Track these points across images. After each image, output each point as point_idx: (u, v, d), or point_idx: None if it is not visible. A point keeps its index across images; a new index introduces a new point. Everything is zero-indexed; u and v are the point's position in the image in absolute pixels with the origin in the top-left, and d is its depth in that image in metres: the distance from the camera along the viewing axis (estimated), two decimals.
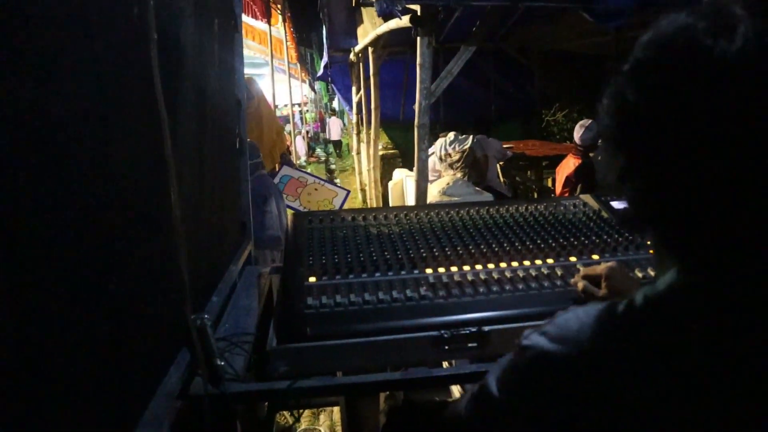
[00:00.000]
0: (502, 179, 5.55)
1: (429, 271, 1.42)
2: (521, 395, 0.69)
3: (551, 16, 5.87)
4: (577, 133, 4.45)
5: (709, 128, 0.55)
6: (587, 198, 1.93)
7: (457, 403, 0.91)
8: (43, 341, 0.73)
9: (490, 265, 1.45)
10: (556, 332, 0.67)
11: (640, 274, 1.39)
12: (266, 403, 1.93)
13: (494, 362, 0.78)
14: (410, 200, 4.69)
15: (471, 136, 4.93)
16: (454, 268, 1.43)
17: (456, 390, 1.86)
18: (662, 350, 0.58)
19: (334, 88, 8.89)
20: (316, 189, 4.46)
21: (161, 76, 0.93)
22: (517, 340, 0.72)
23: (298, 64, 13.62)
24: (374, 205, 7.07)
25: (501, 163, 5.54)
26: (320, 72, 9.05)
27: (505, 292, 1.33)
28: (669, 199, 0.60)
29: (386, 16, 3.54)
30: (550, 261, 1.48)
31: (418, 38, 3.15)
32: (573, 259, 1.49)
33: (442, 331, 1.20)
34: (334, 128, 16.26)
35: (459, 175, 4.67)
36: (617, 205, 1.83)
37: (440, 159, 4.94)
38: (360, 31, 6.25)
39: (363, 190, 8.44)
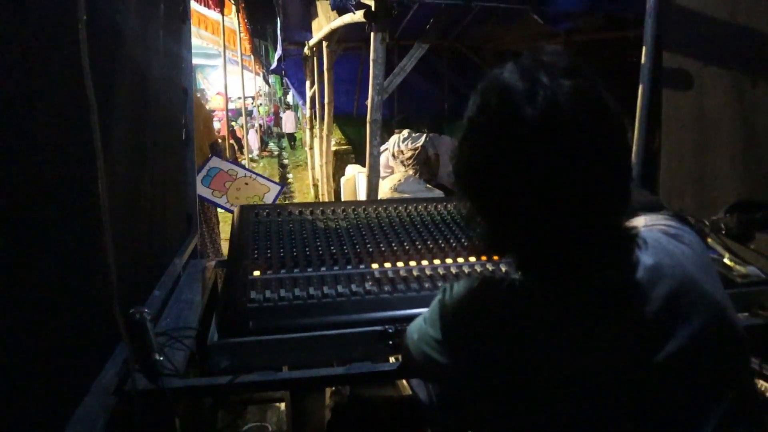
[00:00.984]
0: None
1: (375, 266, 1.42)
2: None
3: (505, 18, 5.95)
4: None
5: (526, 173, 0.71)
6: None
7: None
8: None
9: (437, 261, 1.46)
10: (451, 296, 0.87)
11: None
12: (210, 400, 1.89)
13: None
14: (362, 196, 4.68)
15: (424, 134, 4.96)
16: (400, 264, 1.44)
17: (402, 384, 1.87)
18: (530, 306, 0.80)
19: (288, 82, 8.78)
20: (246, 183, 4.21)
21: (93, 60, 0.89)
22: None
23: (252, 56, 13.39)
24: (327, 201, 7.02)
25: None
26: (274, 65, 8.92)
27: None
28: (508, 236, 0.79)
29: (340, 10, 3.51)
30: (495, 257, 1.50)
31: (372, 34, 3.14)
32: None
33: (387, 326, 1.20)
34: (289, 122, 16.69)
35: (411, 172, 4.69)
36: None
37: (393, 156, 4.96)
38: (315, 24, 6.19)
39: (316, 186, 8.38)
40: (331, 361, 1.25)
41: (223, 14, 6.82)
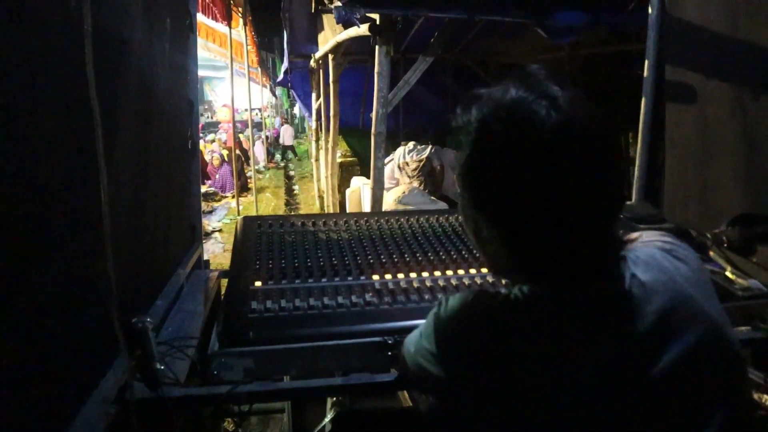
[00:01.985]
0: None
1: (376, 277, 1.42)
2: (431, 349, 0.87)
3: (510, 31, 5.99)
4: None
5: (544, 184, 0.71)
6: None
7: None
8: None
9: (437, 273, 1.46)
10: (446, 309, 0.87)
11: None
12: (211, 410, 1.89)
13: None
14: (367, 208, 4.70)
15: (429, 146, 4.98)
16: (401, 275, 1.44)
17: (403, 396, 1.87)
18: (532, 320, 0.79)
19: (294, 94, 8.85)
20: None
21: (99, 72, 0.91)
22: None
23: (259, 69, 13.50)
24: (329, 213, 7.04)
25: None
26: (280, 77, 9.00)
27: None
28: (519, 250, 0.78)
29: (345, 24, 3.55)
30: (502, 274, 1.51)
31: (377, 47, 3.17)
32: None
33: (386, 337, 1.20)
34: (287, 134, 17.52)
35: (415, 183, 4.71)
36: None
37: (399, 167, 4.98)
38: (321, 37, 6.25)
39: (321, 197, 8.40)
40: (330, 371, 1.25)
41: (230, 27, 6.89)
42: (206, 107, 24.92)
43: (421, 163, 4.77)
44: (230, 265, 1.52)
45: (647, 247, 0.86)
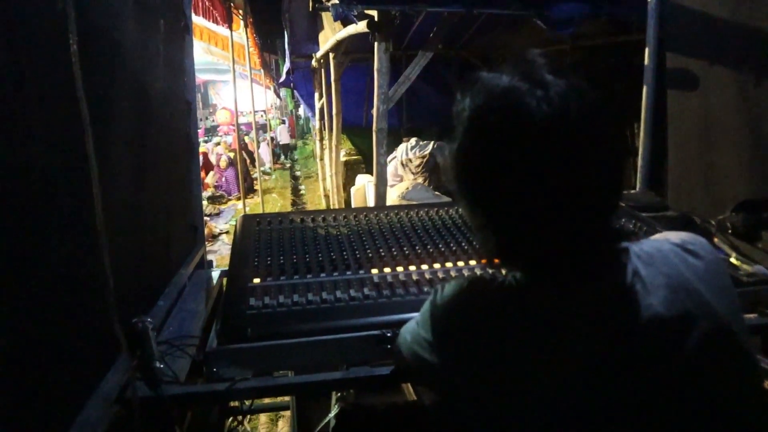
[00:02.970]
0: None
1: (374, 271, 1.42)
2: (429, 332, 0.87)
3: (510, 25, 5.97)
4: None
5: (535, 174, 0.70)
6: None
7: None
8: None
9: (436, 265, 1.46)
10: (442, 296, 0.87)
11: None
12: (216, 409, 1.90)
13: None
14: (372, 205, 4.69)
15: (432, 142, 4.97)
16: (399, 269, 1.44)
17: (408, 390, 1.86)
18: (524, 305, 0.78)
19: (297, 95, 8.86)
20: None
21: (90, 73, 0.91)
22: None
23: (262, 71, 13.52)
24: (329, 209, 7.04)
25: None
26: (283, 78, 9.01)
27: None
28: (512, 238, 0.78)
29: (344, 21, 3.55)
30: (496, 260, 1.50)
31: (376, 43, 3.17)
32: None
33: (384, 330, 1.20)
34: (284, 134, 18.30)
35: (420, 180, 4.70)
36: None
37: (402, 164, 4.97)
38: (321, 36, 6.25)
39: (327, 196, 8.41)
40: (328, 365, 1.25)
41: (231, 29, 6.89)
42: (211, 111, 25.02)
43: (425, 160, 4.77)
44: (229, 264, 1.52)
45: (657, 241, 0.85)
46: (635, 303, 0.75)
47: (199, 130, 2.32)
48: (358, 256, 1.49)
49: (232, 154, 12.19)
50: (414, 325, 0.93)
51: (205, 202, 9.56)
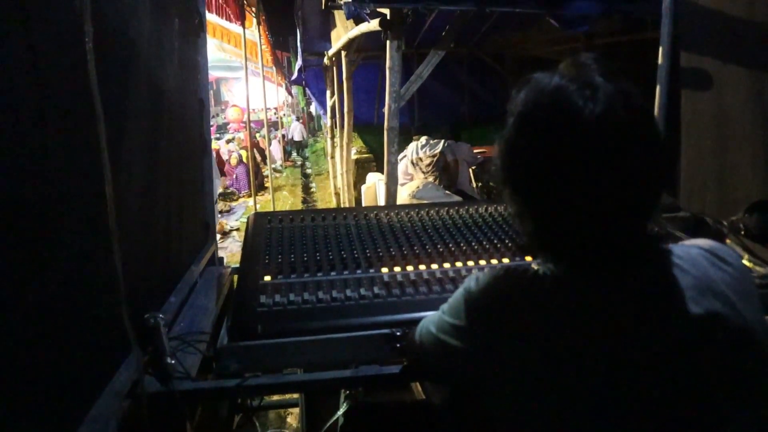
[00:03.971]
0: (474, 184, 5.59)
1: (385, 270, 1.42)
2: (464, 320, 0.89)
3: (524, 23, 5.95)
4: None
5: (577, 170, 0.73)
6: None
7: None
8: None
9: (446, 265, 1.46)
10: (478, 284, 0.89)
11: None
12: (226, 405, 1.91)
13: None
14: (382, 203, 4.68)
15: (442, 141, 4.96)
16: (410, 268, 1.44)
17: (416, 388, 1.87)
18: (558, 294, 0.81)
19: (309, 92, 8.87)
20: None
21: (105, 71, 0.93)
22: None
23: (274, 68, 13.56)
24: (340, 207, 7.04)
25: (473, 167, 5.59)
26: (295, 75, 9.02)
27: None
28: (551, 230, 0.81)
29: (356, 20, 3.54)
30: (505, 260, 1.50)
31: (388, 42, 3.16)
32: (528, 258, 1.51)
33: (394, 329, 1.20)
34: (296, 131, 18.12)
35: (430, 178, 4.69)
36: None
37: (412, 163, 4.97)
38: (334, 34, 6.25)
39: (338, 194, 8.42)
40: (338, 364, 1.26)
41: (244, 27, 6.92)
42: (223, 108, 25.15)
43: (435, 158, 4.75)
44: (240, 261, 1.54)
45: (686, 246, 0.88)
46: (665, 300, 0.78)
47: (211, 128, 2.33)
48: (368, 254, 1.50)
49: (243, 152, 12.25)
50: (440, 314, 0.96)
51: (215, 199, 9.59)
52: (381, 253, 1.50)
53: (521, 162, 0.80)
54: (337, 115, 7.22)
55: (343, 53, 5.81)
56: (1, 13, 0.80)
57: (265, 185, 11.03)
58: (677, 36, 2.54)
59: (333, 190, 8.93)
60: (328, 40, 6.67)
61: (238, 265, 2.13)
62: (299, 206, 10.08)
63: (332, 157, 8.92)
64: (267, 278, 1.38)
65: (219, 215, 8.91)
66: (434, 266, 1.45)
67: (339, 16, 5.53)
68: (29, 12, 0.87)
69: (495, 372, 0.83)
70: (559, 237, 0.82)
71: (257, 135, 14.91)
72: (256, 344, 1.19)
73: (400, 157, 4.73)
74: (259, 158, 12.98)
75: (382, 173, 3.36)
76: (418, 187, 4.40)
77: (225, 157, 12.65)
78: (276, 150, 14.95)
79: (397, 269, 1.43)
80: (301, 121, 19.24)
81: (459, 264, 1.46)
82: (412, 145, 5.05)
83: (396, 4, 3.06)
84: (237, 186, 11.71)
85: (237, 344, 1.20)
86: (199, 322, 1.52)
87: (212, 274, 1.98)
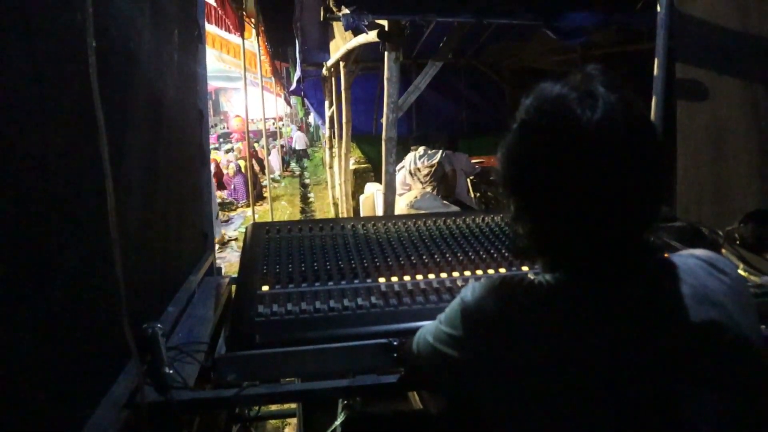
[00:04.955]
0: (472, 194, 5.60)
1: (382, 280, 1.43)
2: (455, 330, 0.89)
3: (521, 34, 5.99)
4: None
5: (575, 177, 0.74)
6: None
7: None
8: None
9: (443, 275, 1.47)
10: (473, 293, 0.88)
11: None
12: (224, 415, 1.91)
13: None
14: (380, 213, 4.70)
15: (440, 151, 4.98)
16: (407, 277, 1.45)
17: (414, 398, 1.87)
18: (556, 305, 0.81)
19: (307, 103, 8.90)
20: None
21: (106, 83, 0.94)
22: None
23: (273, 78, 13.60)
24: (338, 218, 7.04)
25: (471, 177, 5.60)
26: (293, 86, 9.06)
27: None
28: (549, 236, 0.82)
29: (354, 31, 3.57)
30: (502, 270, 1.51)
31: (386, 53, 3.19)
32: (525, 268, 1.52)
33: (391, 339, 1.21)
34: (300, 141, 18.67)
35: (428, 188, 4.70)
36: None
37: (410, 173, 4.98)
38: (332, 45, 6.29)
39: (336, 204, 8.43)
40: (335, 373, 1.26)
41: (243, 38, 6.95)
42: (222, 117, 25.22)
43: (433, 168, 4.77)
44: (239, 271, 1.54)
45: (683, 255, 0.88)
46: (663, 309, 0.79)
47: (210, 137, 2.35)
48: (365, 264, 1.50)
49: (241, 162, 12.26)
50: (437, 323, 0.96)
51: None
52: (378, 263, 1.51)
53: (520, 166, 0.81)
54: (336, 126, 7.24)
55: (341, 64, 5.85)
56: (5, 27, 0.81)
57: (264, 195, 11.04)
58: (673, 47, 2.56)
59: (331, 200, 8.95)
60: (327, 50, 6.71)
61: (236, 275, 2.14)
62: (297, 216, 10.08)
63: (331, 167, 8.94)
64: (265, 288, 1.39)
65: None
66: (431, 276, 1.46)
67: (338, 27, 5.57)
68: (33, 26, 0.88)
69: (491, 381, 0.84)
70: (555, 243, 0.83)
71: (255, 145, 14.93)
72: (253, 354, 1.19)
73: (398, 167, 4.75)
74: (257, 168, 12.99)
75: (381, 183, 3.38)
76: (416, 197, 4.41)
77: (223, 166, 12.67)
78: (275, 160, 14.97)
79: (394, 279, 1.44)
80: (300, 129, 19.39)
81: (456, 274, 1.47)
82: (410, 156, 5.07)
83: (394, 15, 3.08)
84: (235, 196, 11.72)
85: (235, 354, 1.20)
86: (197, 332, 1.53)
87: (210, 284, 1.99)
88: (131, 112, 1.37)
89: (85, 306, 1.11)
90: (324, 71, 7.46)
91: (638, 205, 0.77)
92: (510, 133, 0.83)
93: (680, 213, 2.24)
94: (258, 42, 7.87)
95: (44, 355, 0.95)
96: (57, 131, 0.99)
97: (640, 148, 0.76)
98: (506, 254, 1.58)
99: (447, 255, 1.56)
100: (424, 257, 1.55)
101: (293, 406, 2.18)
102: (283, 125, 22.77)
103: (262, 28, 7.91)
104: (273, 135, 18.41)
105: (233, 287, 1.97)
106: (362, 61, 6.49)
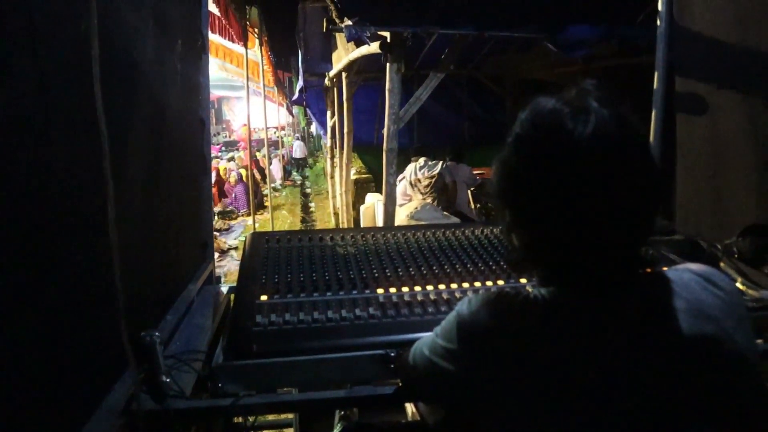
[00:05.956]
0: (472, 205, 5.61)
1: (380, 291, 1.43)
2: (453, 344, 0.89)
3: (523, 46, 6.02)
4: None
5: (567, 191, 0.75)
6: None
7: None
8: None
9: (441, 286, 1.47)
10: (470, 307, 0.89)
11: None
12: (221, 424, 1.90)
13: None
14: (381, 224, 4.70)
15: (440, 162, 5.00)
16: (405, 289, 1.45)
17: (410, 409, 1.86)
18: (552, 316, 0.82)
19: (309, 113, 8.95)
20: None
21: (109, 92, 0.95)
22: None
23: (276, 88, 13.66)
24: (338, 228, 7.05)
25: (472, 189, 5.61)
26: (296, 96, 9.11)
27: None
28: (542, 249, 0.83)
29: (357, 42, 3.60)
30: (501, 282, 1.51)
31: (388, 64, 3.21)
32: (523, 281, 1.52)
33: (388, 350, 1.21)
34: (299, 150, 18.89)
35: (429, 199, 4.71)
36: None
37: (411, 184, 5.00)
38: (335, 56, 6.33)
39: (336, 214, 8.45)
40: (333, 383, 1.26)
41: (246, 47, 7.00)
42: (224, 126, 25.34)
43: (433, 179, 4.78)
44: (237, 281, 1.54)
45: (678, 270, 0.89)
46: (658, 324, 0.79)
47: (213, 146, 2.35)
48: (364, 275, 1.51)
49: (243, 171, 12.29)
50: (433, 336, 0.96)
51: (215, 218, 9.62)
52: (377, 274, 1.51)
53: (514, 179, 0.82)
54: (337, 136, 7.27)
55: (343, 74, 5.88)
56: (10, 36, 0.82)
57: (265, 204, 11.05)
58: (672, 61, 2.58)
59: (332, 210, 8.96)
60: (329, 61, 6.75)
61: (235, 284, 2.14)
62: (298, 226, 10.09)
63: (332, 177, 8.97)
64: (263, 298, 1.39)
65: (217, 233, 8.92)
66: (429, 287, 1.46)
67: (340, 38, 5.61)
68: (37, 35, 0.89)
69: (487, 395, 0.84)
70: (548, 256, 0.83)
71: (257, 153, 14.98)
72: (251, 363, 1.19)
73: (399, 178, 4.76)
74: (258, 177, 13.02)
75: (381, 194, 3.39)
76: (416, 208, 4.42)
77: (224, 175, 12.70)
78: (276, 169, 15.01)
79: (392, 290, 1.44)
80: (300, 138, 19.51)
81: (454, 286, 1.47)
82: (411, 167, 5.09)
83: (396, 27, 3.11)
84: (236, 205, 11.73)
85: (232, 363, 1.20)
86: (195, 341, 1.53)
87: (209, 293, 1.99)
88: (133, 121, 1.38)
89: (84, 313, 1.11)
90: (326, 81, 7.51)
91: (631, 219, 0.78)
92: (505, 147, 0.84)
93: (678, 226, 2.24)
94: (261, 51, 7.92)
95: (41, 361, 0.95)
96: (60, 140, 1.00)
97: (632, 163, 0.76)
98: (505, 267, 1.58)
99: (446, 267, 1.57)
100: (423, 268, 1.55)
101: (290, 416, 2.17)
102: (285, 134, 22.86)
103: (265, 38, 7.96)
104: (275, 144, 18.48)
105: (232, 296, 1.97)
106: (364, 71, 6.53)
